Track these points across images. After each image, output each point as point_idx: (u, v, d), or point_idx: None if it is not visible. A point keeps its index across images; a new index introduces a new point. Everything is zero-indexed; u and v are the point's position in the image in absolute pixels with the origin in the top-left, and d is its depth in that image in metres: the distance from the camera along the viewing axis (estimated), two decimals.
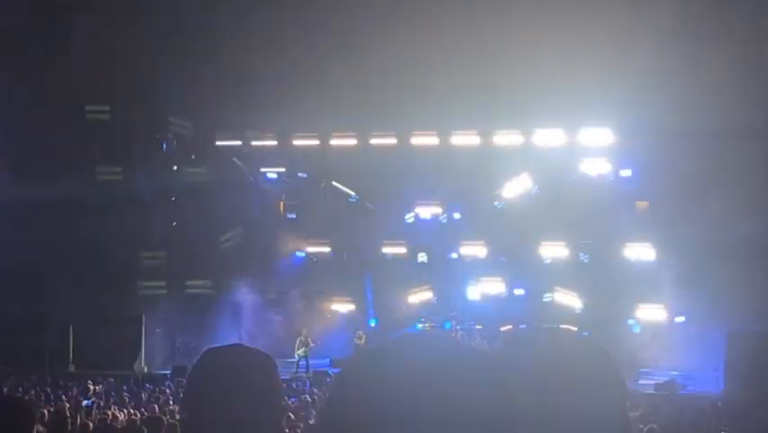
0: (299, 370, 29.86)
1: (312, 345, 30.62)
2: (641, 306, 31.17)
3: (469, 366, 1.46)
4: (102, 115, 32.73)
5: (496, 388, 1.46)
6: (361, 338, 31.00)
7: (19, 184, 30.79)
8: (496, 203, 32.79)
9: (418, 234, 33.30)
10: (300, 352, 30.46)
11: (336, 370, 28.44)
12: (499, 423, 1.43)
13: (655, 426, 15.58)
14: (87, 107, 32.69)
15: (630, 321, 31.37)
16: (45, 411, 15.52)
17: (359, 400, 1.45)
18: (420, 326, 32.33)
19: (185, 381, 3.22)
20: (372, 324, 33.04)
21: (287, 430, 12.08)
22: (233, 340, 27.78)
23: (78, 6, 31.10)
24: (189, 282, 32.55)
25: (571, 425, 1.88)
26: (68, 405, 17.45)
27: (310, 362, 30.33)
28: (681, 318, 30.75)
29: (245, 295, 31.78)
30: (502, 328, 29.30)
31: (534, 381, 1.58)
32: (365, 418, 1.41)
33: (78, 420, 15.25)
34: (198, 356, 3.00)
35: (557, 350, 2.03)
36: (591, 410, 1.95)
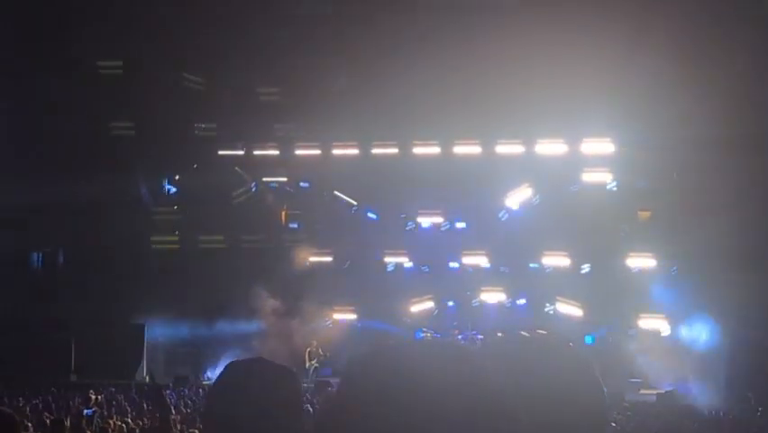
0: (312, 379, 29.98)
1: (323, 355, 30.69)
2: (642, 316, 31.16)
3: (456, 371, 1.55)
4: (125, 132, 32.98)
5: (486, 395, 1.55)
6: None
7: (20, 188, 30.77)
8: (501, 213, 32.80)
9: (420, 244, 33.32)
10: (313, 363, 30.55)
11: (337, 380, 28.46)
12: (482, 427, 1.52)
13: None
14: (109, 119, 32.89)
15: (631, 331, 31.35)
16: (47, 421, 15.56)
17: (359, 401, 1.54)
18: (422, 335, 32.34)
19: (207, 394, 3.26)
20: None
21: None
22: (236, 350, 27.88)
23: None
24: (190, 291, 32.56)
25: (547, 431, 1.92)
26: (69, 414, 17.46)
27: (320, 372, 30.42)
28: (681, 328, 30.74)
29: (247, 305, 31.77)
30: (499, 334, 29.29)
31: (513, 389, 1.64)
32: (361, 419, 1.51)
33: (69, 422, 15.28)
34: (222, 370, 3.03)
35: (536, 358, 2.08)
36: (568, 419, 2.00)
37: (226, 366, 3.07)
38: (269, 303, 31.86)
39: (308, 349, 30.72)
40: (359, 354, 1.64)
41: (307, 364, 30.52)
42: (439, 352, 1.58)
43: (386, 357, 1.59)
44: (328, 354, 30.89)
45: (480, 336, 31.73)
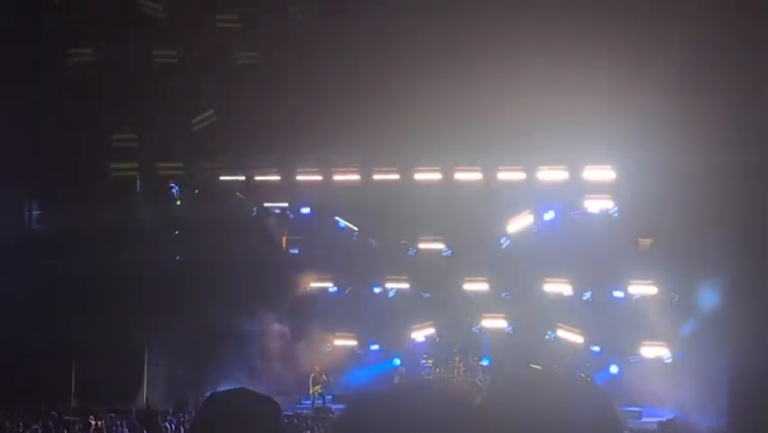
0: (316, 405, 30.01)
1: (326, 381, 30.67)
2: (644, 343, 31.11)
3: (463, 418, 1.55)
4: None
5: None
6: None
7: (19, 215, 30.76)
8: (502, 240, 32.78)
9: (421, 270, 33.29)
10: (317, 388, 30.52)
11: (339, 406, 28.45)
12: None
13: None
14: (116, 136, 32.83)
15: (633, 359, 31.29)
16: None
17: None
18: (423, 362, 32.31)
19: (188, 428, 3.26)
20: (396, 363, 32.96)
21: None
22: (238, 377, 27.89)
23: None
24: (191, 316, 32.51)
25: None
26: None
27: (326, 398, 30.46)
28: (683, 355, 30.68)
29: (249, 330, 31.72)
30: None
31: (531, 424, 1.61)
32: None
33: None
34: (202, 402, 3.00)
35: (555, 392, 2.02)
36: None
37: (206, 398, 3.06)
38: (273, 327, 31.85)
39: (312, 375, 30.71)
40: (355, 397, 1.63)
41: (311, 391, 30.51)
42: (434, 397, 1.56)
43: (382, 404, 1.57)
44: (330, 380, 30.89)
45: (483, 363, 31.72)
